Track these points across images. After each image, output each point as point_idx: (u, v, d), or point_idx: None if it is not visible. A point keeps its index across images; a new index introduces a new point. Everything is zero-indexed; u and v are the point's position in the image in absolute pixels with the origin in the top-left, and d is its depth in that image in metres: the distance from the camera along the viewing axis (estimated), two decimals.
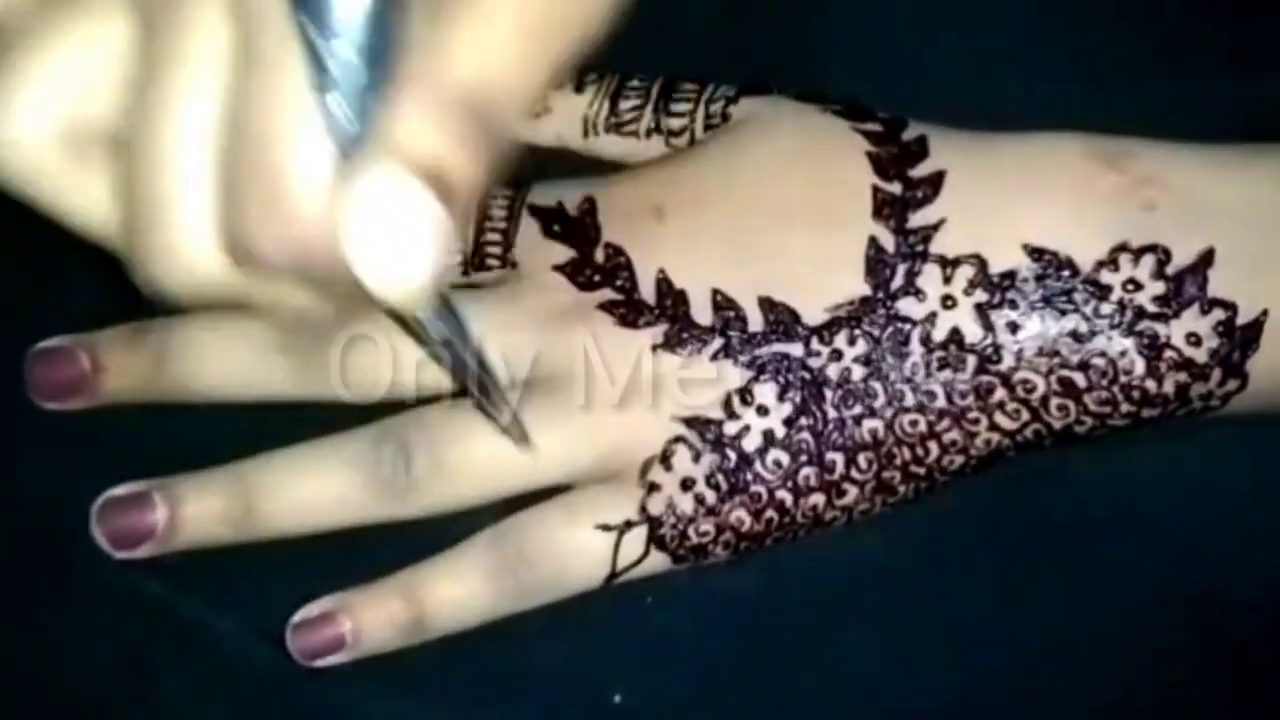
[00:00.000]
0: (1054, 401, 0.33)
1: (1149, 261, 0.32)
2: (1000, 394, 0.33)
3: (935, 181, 0.33)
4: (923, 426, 0.33)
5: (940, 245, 0.33)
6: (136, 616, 0.34)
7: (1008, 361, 0.32)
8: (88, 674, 0.34)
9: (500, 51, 0.24)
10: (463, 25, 0.24)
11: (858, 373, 0.33)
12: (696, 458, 0.33)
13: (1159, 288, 0.32)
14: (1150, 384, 0.32)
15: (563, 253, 0.35)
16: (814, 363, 0.33)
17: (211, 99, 0.24)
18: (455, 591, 0.33)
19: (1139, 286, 0.32)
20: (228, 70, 0.24)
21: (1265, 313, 0.32)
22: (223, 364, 0.35)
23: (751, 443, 0.33)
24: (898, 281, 0.33)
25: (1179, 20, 0.37)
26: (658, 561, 0.33)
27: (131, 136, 0.25)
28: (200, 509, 0.34)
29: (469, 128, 0.23)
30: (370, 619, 0.33)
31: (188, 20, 0.24)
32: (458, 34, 0.23)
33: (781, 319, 0.33)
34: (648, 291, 0.34)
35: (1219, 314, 0.32)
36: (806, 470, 0.33)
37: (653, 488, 0.33)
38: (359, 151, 0.23)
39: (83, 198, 0.27)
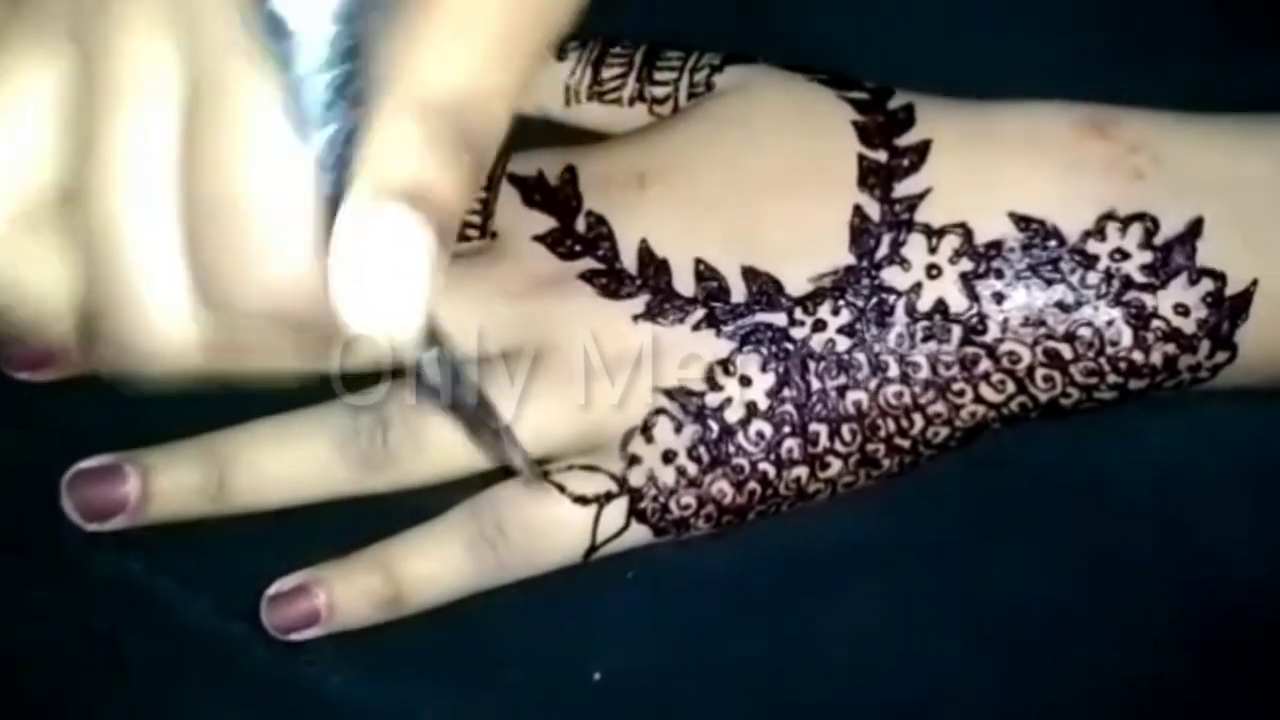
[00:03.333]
0: (1040, 372, 0.32)
1: (1137, 231, 0.32)
2: (985, 365, 0.32)
3: (921, 150, 0.33)
4: (907, 398, 0.32)
5: (926, 214, 0.32)
6: (107, 594, 0.34)
7: (993, 332, 0.32)
8: (57, 652, 0.34)
9: (479, 60, 0.23)
10: (438, 37, 0.22)
11: (842, 344, 0.32)
12: (678, 429, 0.32)
13: (1146, 257, 0.32)
14: (1137, 355, 0.32)
15: (543, 222, 0.34)
16: (797, 333, 0.33)
17: (169, 143, 0.22)
18: (433, 565, 0.33)
19: (1126, 256, 0.32)
20: (183, 104, 0.22)
21: (1255, 283, 0.32)
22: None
23: (734, 414, 0.32)
24: (882, 251, 0.33)
25: (1165, 5, 0.37)
26: (639, 534, 0.33)
27: (86, 199, 0.23)
28: (173, 481, 0.33)
29: (453, 145, 0.22)
30: (346, 592, 0.33)
31: (134, 51, 0.22)
32: (433, 47, 0.22)
33: (765, 289, 0.33)
34: (629, 261, 0.33)
35: (1208, 284, 0.32)
36: (789, 442, 0.32)
37: (633, 460, 0.33)
38: (342, 184, 0.22)
39: (39, 283, 0.24)
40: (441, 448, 0.33)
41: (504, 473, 0.33)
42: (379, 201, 0.22)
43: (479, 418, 0.28)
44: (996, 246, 0.32)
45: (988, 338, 0.32)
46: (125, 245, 0.23)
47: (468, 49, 0.23)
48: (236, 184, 0.22)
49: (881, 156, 0.33)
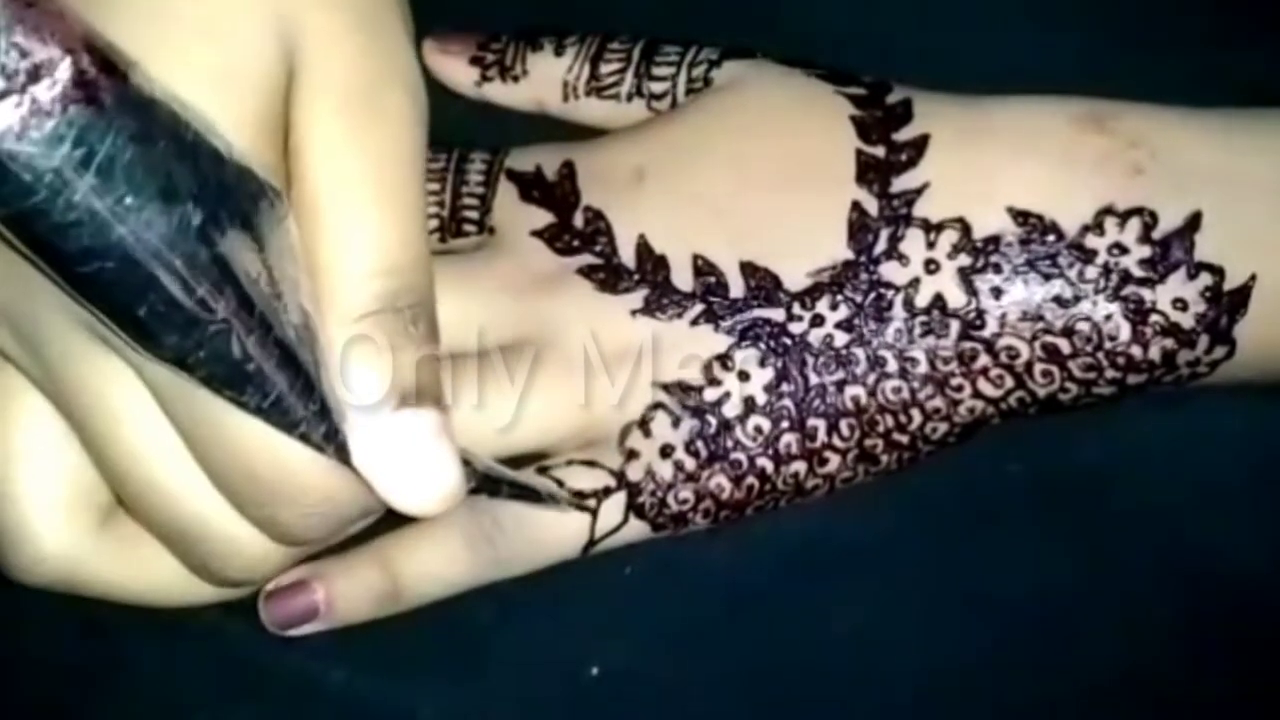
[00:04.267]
0: (1038, 367, 0.32)
1: (1135, 225, 0.32)
2: (984, 360, 0.32)
3: (919, 145, 0.33)
4: (905, 393, 0.32)
5: (924, 209, 0.32)
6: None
7: (991, 327, 0.32)
8: (55, 651, 0.34)
9: (383, 243, 0.26)
10: (338, 248, 0.26)
11: (840, 339, 0.32)
12: (676, 424, 0.32)
13: (1145, 252, 0.32)
14: (1136, 350, 0.32)
15: (541, 217, 0.34)
16: (795, 328, 0.32)
17: (157, 431, 0.26)
18: (431, 561, 0.33)
19: (1125, 250, 0.32)
20: (153, 400, 0.26)
21: (1253, 278, 0.32)
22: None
23: (732, 409, 0.32)
24: (881, 246, 0.32)
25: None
26: (637, 530, 0.33)
27: (125, 492, 0.27)
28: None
29: (401, 329, 0.26)
30: (344, 588, 0.33)
31: (95, 388, 0.26)
32: (338, 259, 0.26)
33: (763, 284, 0.33)
34: (627, 256, 0.33)
35: (1206, 279, 0.32)
36: (788, 437, 0.32)
37: (631, 454, 0.33)
38: (332, 412, 0.25)
39: (138, 567, 0.29)
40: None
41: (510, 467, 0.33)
42: (376, 421, 0.25)
43: (526, 494, 0.31)
44: (994, 241, 0.32)
45: (986, 333, 0.32)
46: (181, 512, 0.27)
47: (368, 241, 0.26)
48: (236, 459, 0.26)
49: (879, 152, 0.33)
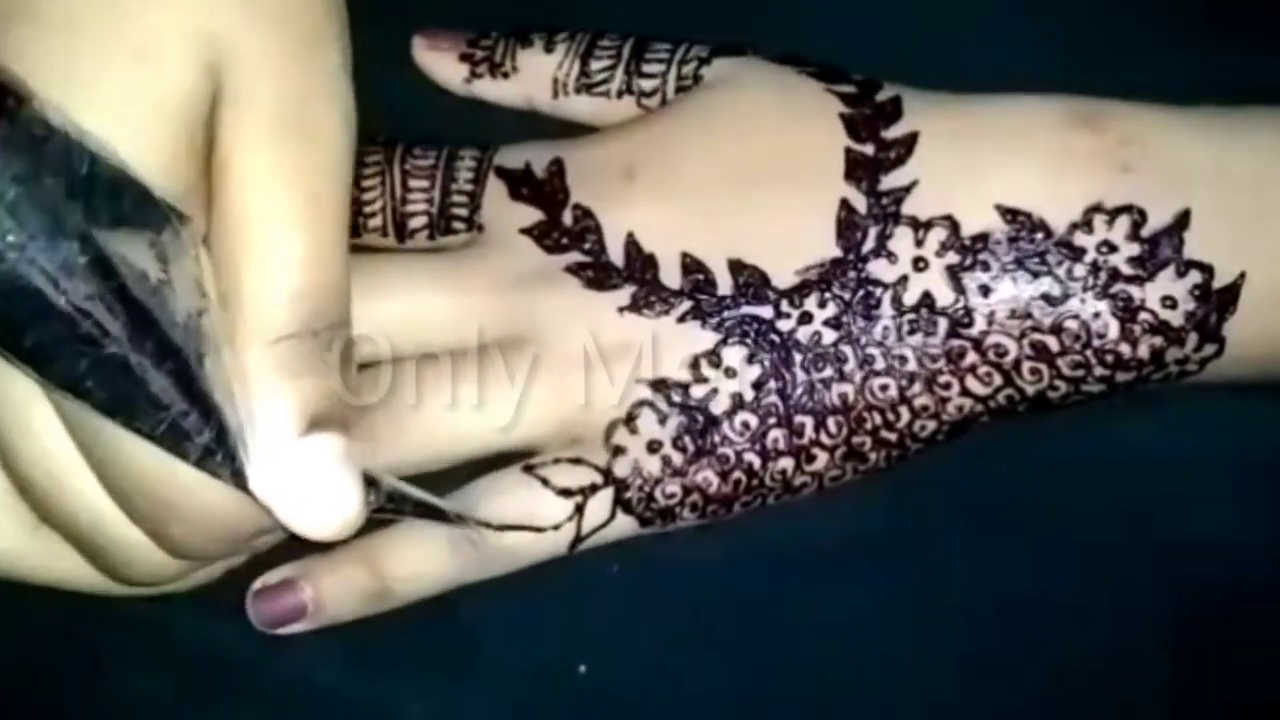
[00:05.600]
0: (1026, 365, 0.32)
1: (1124, 223, 0.32)
2: (972, 358, 0.32)
3: (908, 143, 0.33)
4: (893, 391, 0.32)
5: (912, 207, 0.32)
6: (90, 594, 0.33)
7: (979, 325, 0.32)
8: (39, 655, 0.33)
9: (295, 262, 0.26)
10: (267, 252, 0.26)
11: (828, 336, 0.32)
12: (663, 420, 0.32)
13: (1134, 249, 0.32)
14: (1124, 348, 0.32)
15: (530, 215, 0.34)
16: (784, 326, 0.32)
17: (57, 442, 0.26)
18: (418, 560, 0.33)
19: (1113, 249, 0.32)
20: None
21: (1243, 275, 0.31)
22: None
23: (719, 405, 0.32)
24: (869, 244, 0.32)
25: None
26: (624, 525, 0.33)
27: (28, 499, 0.28)
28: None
29: (310, 352, 0.26)
30: (331, 586, 0.33)
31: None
32: (249, 276, 0.26)
33: (751, 281, 0.33)
34: (616, 254, 0.33)
35: (1195, 277, 0.31)
36: (775, 433, 0.32)
37: (618, 450, 0.32)
38: (229, 435, 0.25)
39: (76, 561, 0.29)
40: (423, 438, 0.33)
41: (491, 465, 0.33)
42: (277, 446, 0.25)
43: (432, 514, 0.31)
44: (983, 239, 0.32)
45: (974, 330, 0.32)
46: (88, 532, 0.28)
47: (287, 263, 0.26)
48: (129, 478, 0.26)
49: (868, 149, 0.33)
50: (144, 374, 0.24)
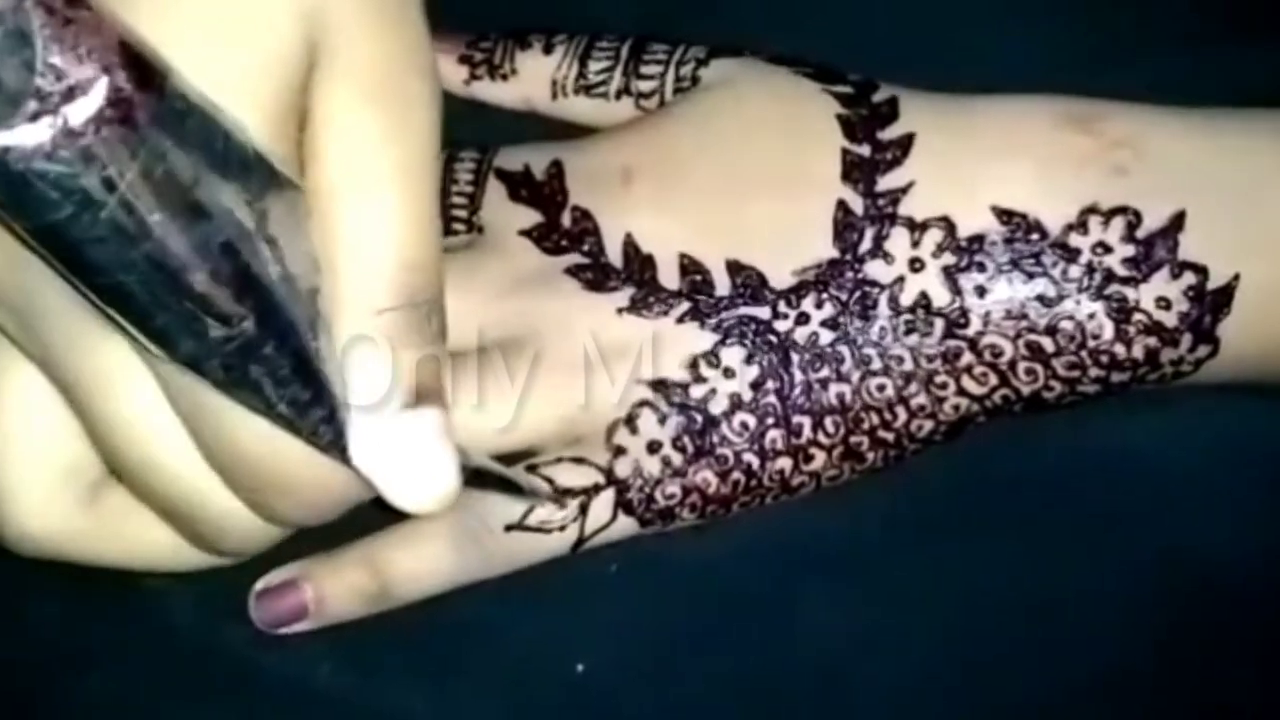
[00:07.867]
0: (1022, 366, 0.32)
1: (1119, 224, 0.32)
2: (968, 358, 0.32)
3: (905, 144, 0.33)
4: (890, 391, 0.33)
5: (909, 208, 0.33)
6: (89, 590, 0.33)
7: (975, 326, 0.32)
8: (35, 650, 0.34)
9: (398, 238, 0.26)
10: (370, 223, 0.25)
11: (825, 337, 0.33)
12: (662, 421, 0.33)
13: (1129, 251, 0.32)
14: (1119, 348, 0.32)
15: (529, 217, 0.34)
16: (781, 326, 0.33)
17: (155, 409, 0.26)
18: (419, 560, 0.33)
19: (1108, 249, 0.32)
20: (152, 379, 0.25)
21: (1237, 277, 0.32)
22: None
23: (718, 406, 0.33)
24: (866, 245, 0.33)
25: None
26: (625, 526, 0.33)
27: (121, 467, 0.27)
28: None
29: (415, 325, 0.26)
30: (333, 586, 0.33)
31: (93, 366, 0.26)
32: (355, 253, 0.25)
33: (749, 282, 0.33)
34: (615, 255, 0.34)
35: (1190, 278, 0.32)
36: (773, 433, 0.33)
37: (619, 451, 0.33)
38: (337, 412, 0.25)
39: (128, 540, 0.29)
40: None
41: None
42: (380, 421, 0.25)
43: (512, 489, 0.31)
44: (979, 240, 0.32)
45: (970, 331, 0.32)
46: (183, 500, 0.27)
47: (391, 234, 0.26)
48: (235, 449, 0.25)
49: (865, 150, 0.33)
50: (269, 353, 0.23)
